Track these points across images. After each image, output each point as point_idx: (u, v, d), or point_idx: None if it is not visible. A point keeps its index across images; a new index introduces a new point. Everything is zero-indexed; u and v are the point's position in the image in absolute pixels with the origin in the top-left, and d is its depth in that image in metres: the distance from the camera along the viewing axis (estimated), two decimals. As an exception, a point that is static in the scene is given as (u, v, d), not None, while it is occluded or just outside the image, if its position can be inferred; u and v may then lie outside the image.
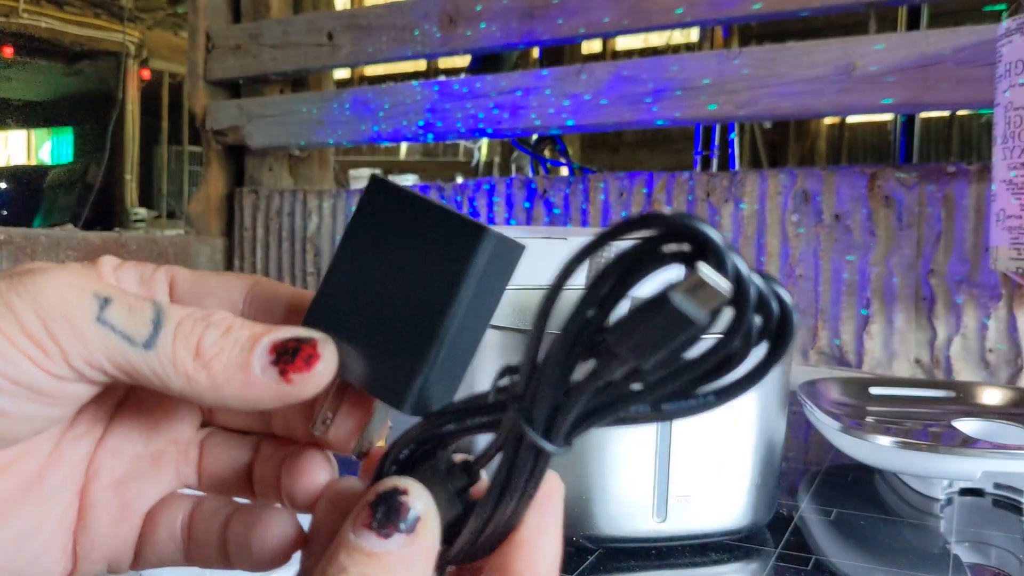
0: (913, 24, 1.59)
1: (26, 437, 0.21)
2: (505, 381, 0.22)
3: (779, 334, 0.19)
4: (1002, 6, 0.76)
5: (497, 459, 0.22)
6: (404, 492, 0.20)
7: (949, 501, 0.55)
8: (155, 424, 0.25)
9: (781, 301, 0.19)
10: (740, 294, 0.18)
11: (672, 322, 0.18)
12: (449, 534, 0.22)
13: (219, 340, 0.21)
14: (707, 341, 0.19)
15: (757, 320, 0.19)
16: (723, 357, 0.19)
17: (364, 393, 0.24)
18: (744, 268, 0.18)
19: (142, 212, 4.66)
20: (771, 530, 0.49)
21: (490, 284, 0.23)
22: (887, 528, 0.51)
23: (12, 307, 0.20)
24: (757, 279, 0.19)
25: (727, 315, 0.19)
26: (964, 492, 0.56)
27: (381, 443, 0.25)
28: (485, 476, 0.23)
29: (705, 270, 0.18)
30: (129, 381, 0.21)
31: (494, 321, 0.45)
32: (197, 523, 0.25)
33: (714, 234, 0.18)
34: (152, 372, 0.21)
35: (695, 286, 0.18)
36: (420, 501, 0.20)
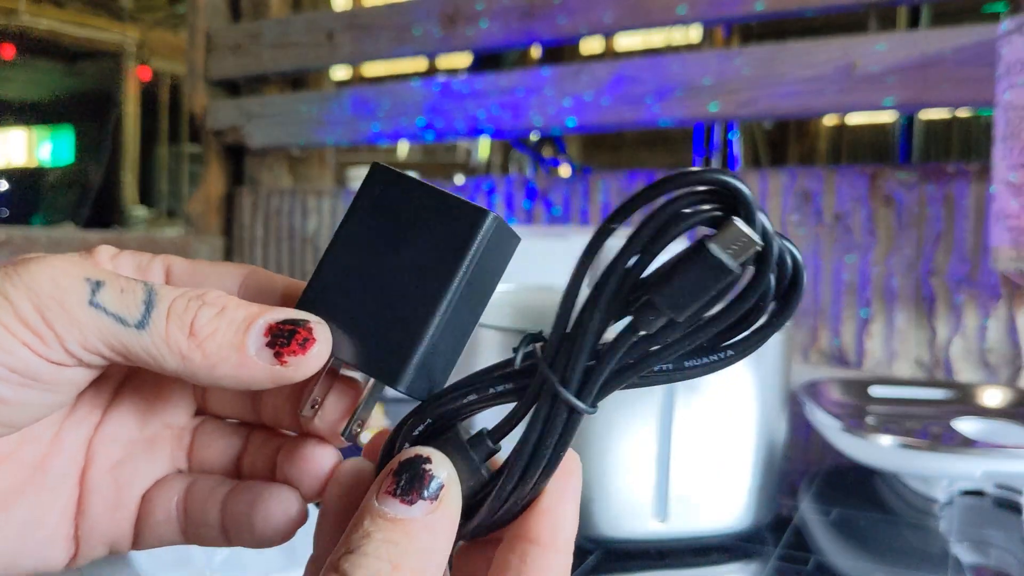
0: (913, 24, 1.59)
1: (27, 424, 0.22)
2: (530, 348, 0.22)
3: (789, 292, 0.20)
4: (1002, 6, 0.76)
5: (514, 432, 0.22)
6: (427, 460, 0.21)
7: (949, 501, 0.55)
8: (150, 409, 0.25)
9: (795, 260, 0.20)
10: (766, 248, 0.19)
11: (708, 271, 0.19)
12: (469, 505, 0.22)
13: (214, 320, 0.21)
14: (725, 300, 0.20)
15: (773, 279, 0.20)
16: (742, 313, 0.20)
17: (353, 378, 0.24)
18: (769, 225, 0.19)
19: (142, 211, 4.66)
20: (771, 530, 0.49)
21: (487, 269, 0.23)
22: (887, 528, 0.51)
23: (7, 296, 0.20)
24: (777, 237, 0.20)
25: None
26: (964, 492, 0.56)
27: (371, 431, 0.25)
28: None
29: (739, 222, 0.19)
30: (126, 362, 0.21)
31: (494, 322, 0.45)
32: (193, 503, 0.25)
33: (748, 191, 0.19)
34: (146, 352, 0.21)
35: (730, 237, 0.19)
36: (443, 470, 0.21)
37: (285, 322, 0.22)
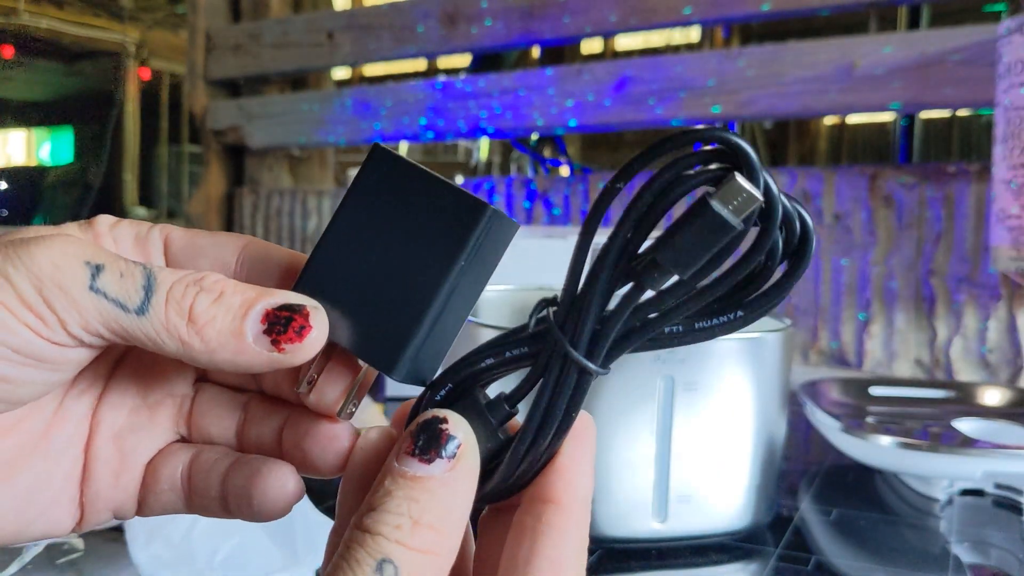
0: (913, 24, 1.59)
1: (30, 400, 0.22)
2: (544, 313, 0.23)
3: (799, 252, 0.21)
4: (1002, 6, 0.76)
5: (532, 395, 0.23)
6: (444, 421, 0.21)
7: (949, 501, 0.55)
8: (152, 378, 0.26)
9: (803, 219, 0.20)
10: (769, 204, 0.20)
11: (710, 227, 0.20)
12: (488, 468, 0.23)
13: (211, 307, 0.21)
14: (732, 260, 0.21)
15: (780, 239, 0.20)
16: (749, 273, 0.21)
17: (350, 356, 0.24)
18: (772, 183, 0.20)
19: (142, 212, 4.66)
20: (771, 530, 0.49)
21: (484, 259, 0.23)
22: (887, 528, 0.51)
23: (9, 278, 0.20)
24: (783, 196, 0.20)
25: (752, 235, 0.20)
26: (964, 492, 0.56)
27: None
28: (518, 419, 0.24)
29: (740, 178, 0.19)
30: (126, 343, 0.22)
31: (494, 322, 0.45)
32: (196, 474, 0.25)
33: (748, 147, 0.20)
34: (146, 336, 0.21)
35: (731, 192, 0.19)
36: (460, 430, 0.21)
37: (282, 308, 0.22)
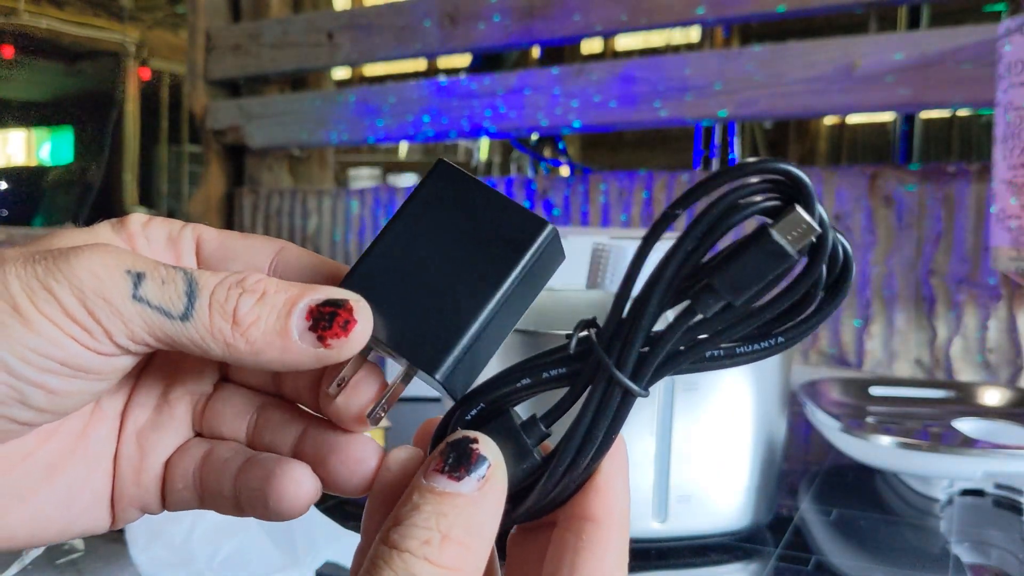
0: (913, 24, 1.59)
1: (75, 410, 0.22)
2: (584, 334, 0.23)
3: (838, 282, 0.21)
4: (1002, 6, 0.76)
5: (567, 416, 0.23)
6: (474, 441, 0.21)
7: (949, 501, 0.55)
8: (175, 375, 0.26)
9: (846, 251, 0.21)
10: (822, 237, 0.20)
11: (768, 256, 0.20)
12: (522, 487, 0.23)
13: (255, 307, 0.21)
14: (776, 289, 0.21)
15: (825, 269, 0.21)
16: (793, 302, 0.21)
17: (375, 364, 0.24)
18: (826, 216, 0.20)
19: (142, 212, 4.65)
20: (771, 530, 0.49)
21: (534, 279, 0.23)
22: (887, 528, 0.51)
23: (53, 291, 0.20)
24: (831, 230, 0.20)
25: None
26: (964, 492, 0.56)
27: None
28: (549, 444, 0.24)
29: (800, 210, 0.20)
30: (171, 349, 0.22)
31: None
32: (208, 472, 0.25)
33: (808, 180, 0.20)
34: (192, 342, 0.21)
35: (791, 223, 0.20)
36: (490, 451, 0.21)
37: (326, 303, 0.22)
